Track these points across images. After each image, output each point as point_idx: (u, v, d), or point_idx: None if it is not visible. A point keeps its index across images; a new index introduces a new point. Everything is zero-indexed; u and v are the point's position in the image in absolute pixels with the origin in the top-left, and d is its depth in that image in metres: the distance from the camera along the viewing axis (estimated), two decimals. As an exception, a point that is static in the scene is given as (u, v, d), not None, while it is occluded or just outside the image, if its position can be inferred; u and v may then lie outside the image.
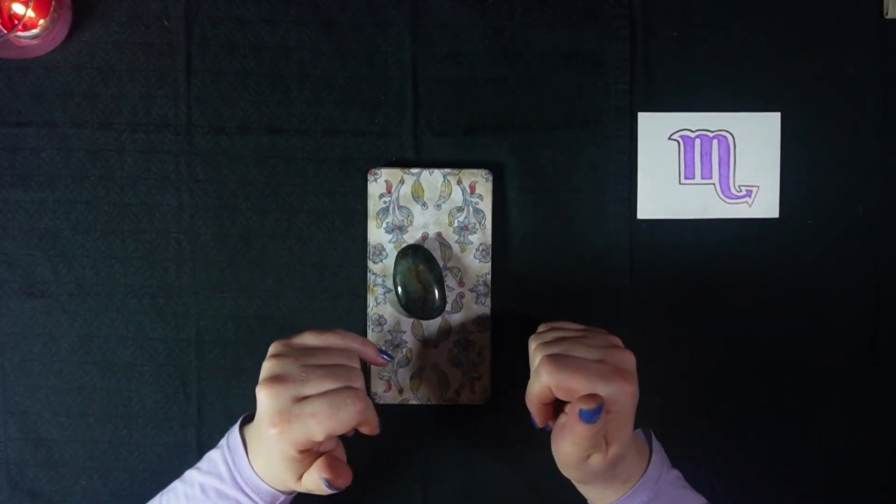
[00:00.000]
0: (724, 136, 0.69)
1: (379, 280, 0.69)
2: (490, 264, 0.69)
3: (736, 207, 0.70)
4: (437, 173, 0.69)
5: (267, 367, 0.56)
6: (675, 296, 0.70)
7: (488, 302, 0.69)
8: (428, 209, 0.69)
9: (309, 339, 0.58)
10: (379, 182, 0.68)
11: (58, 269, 0.69)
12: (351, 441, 0.59)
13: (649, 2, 0.69)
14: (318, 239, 0.69)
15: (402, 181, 0.68)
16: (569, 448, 0.56)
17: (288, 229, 0.69)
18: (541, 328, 0.62)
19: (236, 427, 0.60)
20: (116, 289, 0.69)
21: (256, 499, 0.58)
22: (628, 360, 0.57)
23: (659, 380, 0.65)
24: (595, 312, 0.69)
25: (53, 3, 0.65)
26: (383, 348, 0.68)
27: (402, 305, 0.68)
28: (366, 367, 0.68)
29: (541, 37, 0.69)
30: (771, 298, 0.70)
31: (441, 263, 0.68)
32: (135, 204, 0.69)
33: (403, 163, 0.69)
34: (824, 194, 0.70)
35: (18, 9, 0.64)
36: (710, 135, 0.70)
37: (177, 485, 0.61)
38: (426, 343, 0.69)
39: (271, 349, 0.57)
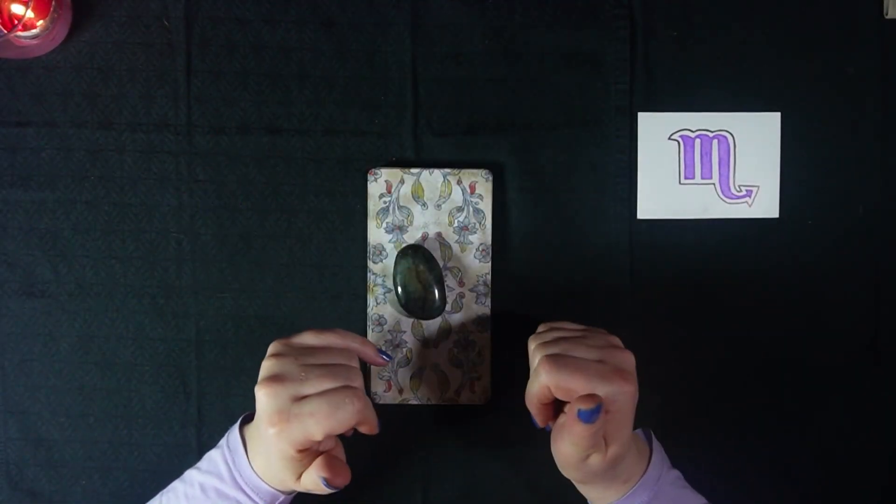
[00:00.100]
0: (724, 136, 0.69)
1: (379, 280, 0.69)
2: (490, 264, 0.69)
3: (736, 207, 0.70)
4: (437, 173, 0.69)
5: (266, 367, 0.56)
6: (675, 296, 0.70)
7: (488, 302, 0.69)
8: (428, 209, 0.69)
9: (308, 338, 0.58)
10: (379, 182, 0.68)
11: (58, 269, 0.69)
12: (351, 441, 0.59)
13: (649, 2, 0.69)
14: (318, 239, 0.69)
15: (402, 181, 0.68)
16: (568, 448, 0.56)
17: (288, 229, 0.69)
18: (540, 328, 0.62)
19: (236, 427, 0.60)
20: (116, 289, 0.69)
21: (256, 498, 0.58)
22: (628, 360, 0.57)
23: (659, 380, 0.65)
24: (595, 312, 0.69)
25: (53, 3, 0.65)
26: (383, 348, 0.68)
27: (402, 305, 0.68)
28: (365, 367, 0.68)
29: (541, 37, 0.69)
30: (771, 298, 0.70)
31: (441, 263, 0.68)
32: (135, 204, 0.69)
33: (403, 163, 0.69)
34: (824, 194, 0.70)
35: (18, 9, 0.65)
36: (710, 135, 0.70)
37: (177, 485, 0.61)
38: (426, 343, 0.69)
39: (270, 349, 0.57)
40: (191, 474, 0.60)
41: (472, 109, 0.69)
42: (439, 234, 0.69)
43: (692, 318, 0.70)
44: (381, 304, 0.69)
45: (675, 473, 0.62)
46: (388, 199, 0.69)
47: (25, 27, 0.64)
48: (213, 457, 0.60)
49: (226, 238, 0.69)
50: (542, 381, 0.56)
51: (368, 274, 0.69)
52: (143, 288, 0.69)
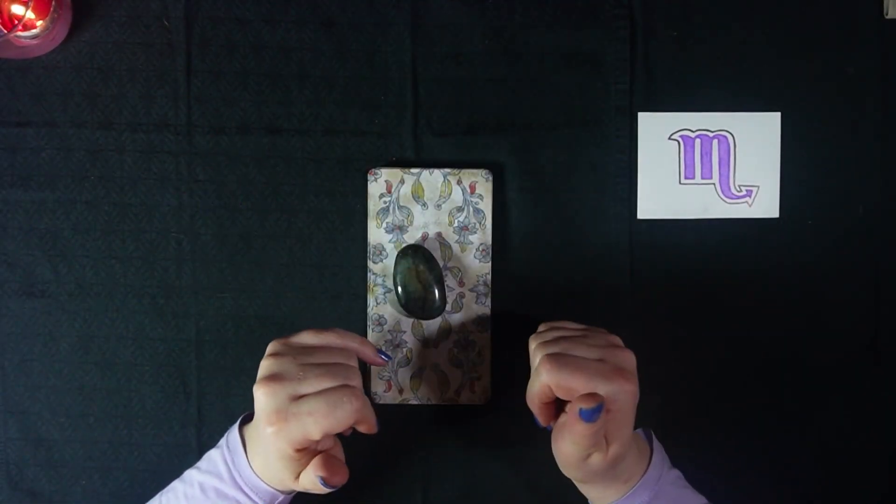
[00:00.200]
0: (724, 136, 0.69)
1: (379, 280, 0.69)
2: (490, 264, 0.69)
3: (736, 207, 0.70)
4: (437, 173, 0.69)
5: (265, 366, 0.56)
6: (675, 296, 0.70)
7: (488, 302, 0.69)
8: (428, 209, 0.69)
9: (307, 338, 0.58)
10: (379, 182, 0.68)
11: (58, 269, 0.69)
12: (350, 441, 0.59)
13: (649, 2, 0.69)
14: (318, 239, 0.69)
15: (402, 181, 0.68)
16: (569, 447, 0.56)
17: (288, 229, 0.69)
18: (541, 328, 0.62)
19: (236, 427, 0.60)
20: (116, 289, 0.69)
21: (255, 498, 0.58)
22: (628, 359, 0.57)
23: (659, 380, 0.65)
24: (595, 312, 0.69)
25: (53, 3, 0.65)
26: (383, 348, 0.68)
27: (402, 305, 0.68)
28: (365, 367, 0.68)
29: (541, 37, 0.69)
30: (771, 298, 0.70)
31: (441, 263, 0.68)
32: (135, 204, 0.69)
33: (403, 163, 0.69)
34: (824, 194, 0.70)
35: (18, 9, 0.65)
36: (710, 135, 0.70)
37: (176, 484, 0.61)
38: (426, 343, 0.69)
39: (269, 348, 0.57)
40: (190, 474, 0.60)
41: (472, 109, 0.69)
42: (439, 234, 0.69)
43: (692, 318, 0.70)
44: (381, 304, 0.69)
45: (676, 473, 0.62)
46: (388, 199, 0.69)
47: (25, 27, 0.64)
48: (213, 457, 0.60)
49: (226, 238, 0.69)
50: (543, 380, 0.55)
51: (368, 274, 0.69)
52: (143, 288, 0.69)
